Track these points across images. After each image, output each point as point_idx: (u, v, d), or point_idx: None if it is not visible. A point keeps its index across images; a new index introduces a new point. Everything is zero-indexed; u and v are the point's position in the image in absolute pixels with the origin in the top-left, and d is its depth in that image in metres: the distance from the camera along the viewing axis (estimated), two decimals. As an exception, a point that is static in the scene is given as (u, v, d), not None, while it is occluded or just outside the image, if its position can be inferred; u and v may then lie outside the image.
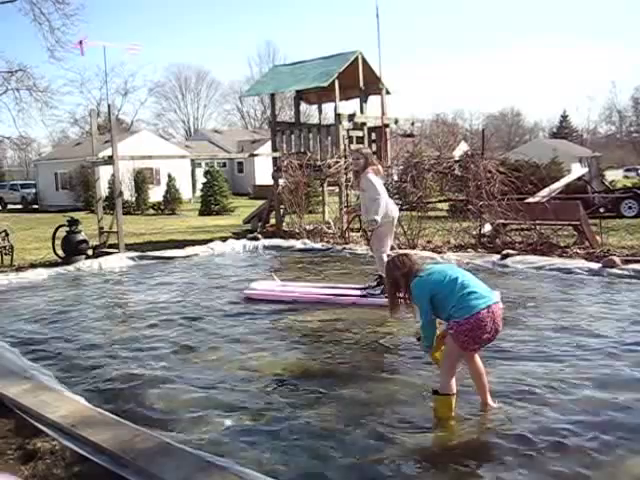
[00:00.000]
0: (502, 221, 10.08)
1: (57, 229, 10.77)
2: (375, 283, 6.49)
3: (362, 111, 13.80)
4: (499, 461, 2.88)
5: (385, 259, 6.24)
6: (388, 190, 11.68)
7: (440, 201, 12.31)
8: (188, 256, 10.27)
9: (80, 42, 14.10)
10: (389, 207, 6.36)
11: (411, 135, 14.17)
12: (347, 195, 12.28)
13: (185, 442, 3.03)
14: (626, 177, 40.93)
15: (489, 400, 3.42)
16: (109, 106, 13.23)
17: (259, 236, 11.81)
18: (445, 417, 3.29)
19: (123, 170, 21.35)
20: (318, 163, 12.38)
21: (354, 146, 12.93)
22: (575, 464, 2.81)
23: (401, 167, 12.32)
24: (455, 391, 3.30)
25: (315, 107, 16.31)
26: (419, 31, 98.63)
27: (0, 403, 3.67)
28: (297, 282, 7.46)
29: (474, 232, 10.45)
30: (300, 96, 14.71)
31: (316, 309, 6.11)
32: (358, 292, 6.56)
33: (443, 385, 3.30)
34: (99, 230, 11.47)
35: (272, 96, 14.76)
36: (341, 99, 12.96)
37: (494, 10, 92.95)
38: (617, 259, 7.44)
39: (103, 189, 17.59)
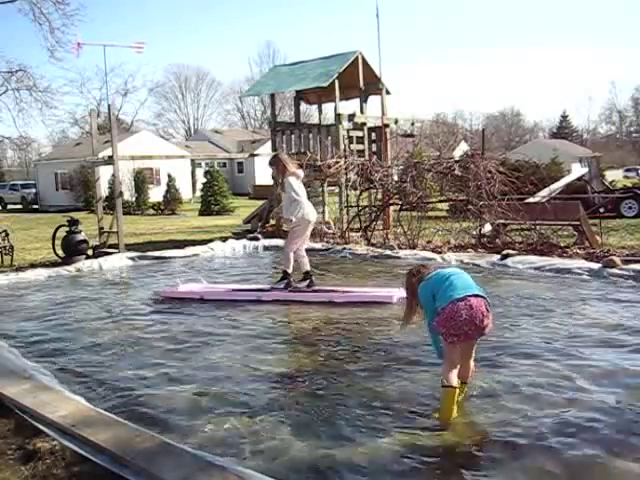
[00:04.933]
0: (502, 221, 10.08)
1: (57, 229, 10.77)
2: (279, 278, 6.87)
3: (362, 111, 13.79)
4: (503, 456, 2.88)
5: (291, 257, 6.76)
6: (387, 190, 11.76)
7: (440, 201, 12.31)
8: (188, 256, 10.27)
9: (78, 44, 14.13)
10: (306, 210, 6.64)
11: (411, 135, 14.17)
12: (347, 195, 12.27)
13: (185, 442, 3.03)
14: (626, 177, 40.96)
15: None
16: (109, 106, 13.23)
17: (259, 236, 11.80)
18: (448, 408, 3.28)
19: (123, 170, 21.38)
20: (318, 163, 12.37)
21: (354, 146, 12.95)
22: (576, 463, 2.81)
23: (401, 167, 12.32)
24: (456, 384, 3.30)
25: (315, 107, 16.30)
26: (419, 31, 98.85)
27: (0, 403, 3.66)
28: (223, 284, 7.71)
29: (474, 232, 10.45)
30: (300, 96, 14.70)
31: (310, 309, 6.11)
32: (264, 288, 6.90)
33: (444, 377, 3.31)
34: (99, 230, 11.47)
35: (272, 96, 14.75)
36: (341, 99, 12.94)
37: (494, 10, 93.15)
38: (617, 259, 7.43)
39: (103, 189, 17.57)
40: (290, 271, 6.76)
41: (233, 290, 6.97)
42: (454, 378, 3.30)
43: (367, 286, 7.09)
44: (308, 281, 6.82)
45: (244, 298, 6.64)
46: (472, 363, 3.52)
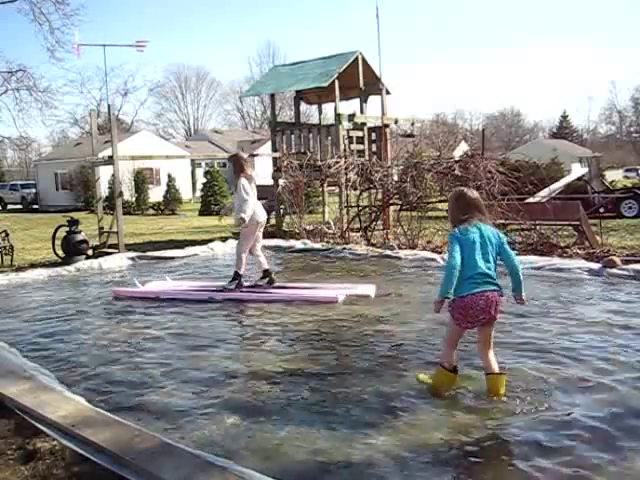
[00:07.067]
0: (502, 221, 10.07)
1: (57, 229, 10.77)
2: (231, 279, 6.97)
3: (362, 111, 13.80)
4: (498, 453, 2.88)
5: (243, 258, 6.91)
6: (387, 190, 11.76)
7: (440, 201, 12.30)
8: (188, 256, 10.27)
9: (78, 46, 14.22)
10: (256, 211, 6.86)
11: (411, 135, 14.16)
12: (347, 195, 12.27)
13: (185, 442, 3.03)
14: (626, 177, 40.97)
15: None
16: (109, 106, 13.22)
17: (259, 236, 11.78)
18: (435, 384, 3.60)
19: (123, 170, 21.38)
20: (318, 163, 12.37)
21: (354, 146, 12.96)
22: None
23: (401, 167, 12.31)
24: (451, 367, 3.58)
25: (315, 107, 16.30)
26: (419, 31, 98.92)
27: (0, 403, 3.66)
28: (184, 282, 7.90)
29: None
30: (300, 96, 14.71)
31: (306, 309, 6.10)
32: (215, 288, 7.04)
33: (442, 355, 3.65)
34: (99, 230, 11.48)
35: (272, 96, 14.75)
36: (341, 99, 12.95)
37: (494, 10, 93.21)
38: (617, 259, 7.42)
39: (103, 189, 17.59)
40: (242, 272, 6.94)
41: (187, 290, 7.11)
42: (450, 360, 3.59)
43: (319, 283, 7.27)
44: (268, 279, 7.05)
45: (197, 297, 6.77)
46: (492, 354, 3.60)
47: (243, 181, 6.75)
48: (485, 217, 3.63)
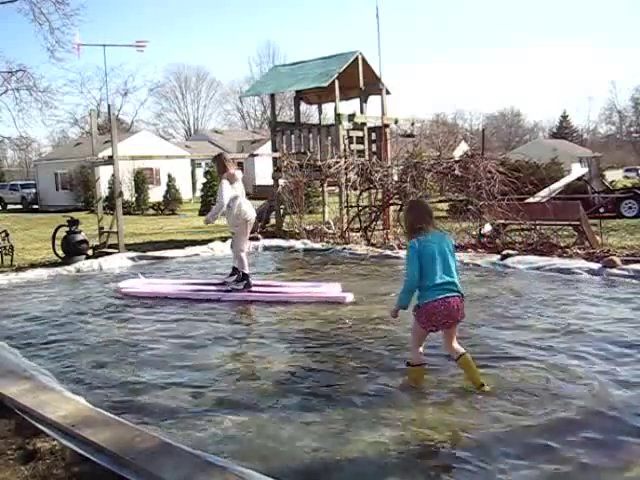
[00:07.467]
0: (502, 221, 10.07)
1: (57, 229, 10.77)
2: (238, 280, 7.00)
3: (362, 111, 13.80)
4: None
5: (244, 258, 6.96)
6: (387, 190, 11.76)
7: (440, 201, 12.31)
8: (188, 256, 10.27)
9: (78, 45, 14.25)
10: (243, 209, 6.89)
11: (411, 135, 14.16)
12: (347, 195, 12.27)
13: (185, 442, 3.03)
14: (626, 177, 40.95)
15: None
16: (109, 106, 13.21)
17: (259, 236, 11.79)
18: (416, 382, 3.85)
19: (123, 170, 21.38)
20: (318, 163, 12.37)
21: (354, 146, 12.96)
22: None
23: (401, 167, 12.31)
24: (422, 362, 3.87)
25: (315, 107, 16.31)
26: (419, 31, 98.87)
27: (0, 403, 3.66)
28: (164, 280, 8.01)
29: (474, 232, 10.45)
30: (300, 96, 14.71)
31: (305, 308, 6.11)
32: (223, 288, 7.05)
33: (413, 358, 3.90)
34: (99, 230, 11.48)
35: (272, 96, 14.76)
36: (341, 99, 12.95)
37: (494, 10, 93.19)
38: (617, 259, 7.42)
39: (103, 189, 17.60)
40: (247, 271, 6.96)
41: (194, 290, 7.11)
42: (418, 358, 3.86)
43: (323, 282, 7.23)
44: (236, 276, 7.08)
45: (205, 297, 6.79)
46: (455, 342, 3.86)
47: (224, 181, 6.79)
48: (435, 224, 3.94)
